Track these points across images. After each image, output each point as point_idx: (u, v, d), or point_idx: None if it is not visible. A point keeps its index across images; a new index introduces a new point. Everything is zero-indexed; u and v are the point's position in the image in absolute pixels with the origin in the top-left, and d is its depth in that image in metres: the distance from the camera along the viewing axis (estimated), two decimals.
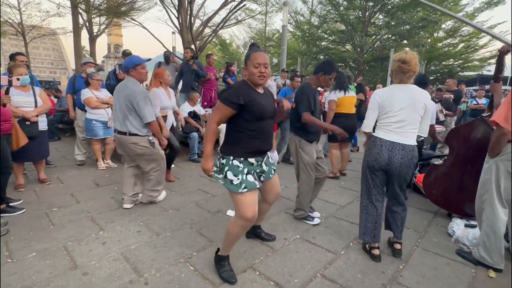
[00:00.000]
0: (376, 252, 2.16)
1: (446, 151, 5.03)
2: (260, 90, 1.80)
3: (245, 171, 1.74)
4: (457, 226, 2.58)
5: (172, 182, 3.79)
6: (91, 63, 4.61)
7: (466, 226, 2.53)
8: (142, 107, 2.64)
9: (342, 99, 4.10)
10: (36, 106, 3.25)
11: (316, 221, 2.74)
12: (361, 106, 5.60)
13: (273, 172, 2.00)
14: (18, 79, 2.65)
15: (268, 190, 2.03)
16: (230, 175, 1.72)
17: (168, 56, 6.16)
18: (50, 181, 3.61)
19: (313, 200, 2.89)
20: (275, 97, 3.74)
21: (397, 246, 2.21)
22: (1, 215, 2.66)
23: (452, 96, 5.75)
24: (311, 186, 2.69)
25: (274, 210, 2.94)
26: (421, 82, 2.90)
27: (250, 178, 1.74)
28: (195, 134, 4.76)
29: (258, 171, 1.82)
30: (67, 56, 26.47)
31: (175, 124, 3.69)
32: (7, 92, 2.48)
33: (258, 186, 1.79)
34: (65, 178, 3.81)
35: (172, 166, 4.16)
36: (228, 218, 2.77)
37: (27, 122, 3.11)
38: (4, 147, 2.59)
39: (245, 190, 1.71)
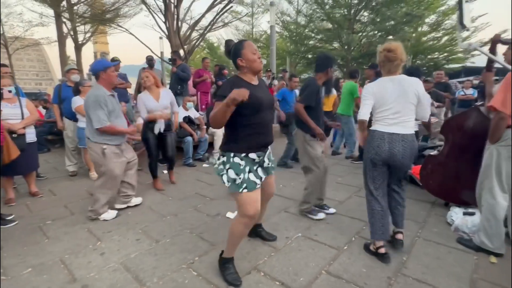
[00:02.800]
0: (382, 250, 2.06)
1: (438, 142, 5.11)
2: (255, 82, 1.78)
3: (247, 169, 1.72)
4: (456, 214, 2.61)
5: (174, 183, 3.81)
6: (74, 70, 4.50)
7: (464, 214, 2.56)
8: (90, 113, 2.63)
9: (326, 100, 4.14)
10: (22, 118, 3.15)
11: (320, 215, 2.74)
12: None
13: (273, 167, 1.99)
14: (10, 91, 2.56)
15: (263, 188, 2.00)
16: (232, 173, 1.69)
17: (151, 60, 6.10)
18: (42, 193, 3.50)
19: (324, 193, 2.90)
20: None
21: (399, 236, 2.19)
22: None
23: (450, 96, 5.88)
24: (320, 179, 2.73)
25: (274, 209, 2.92)
26: (414, 74, 2.93)
27: (252, 176, 1.73)
28: (189, 138, 4.71)
29: (259, 166, 1.82)
30: (52, 67, 26.01)
31: (161, 130, 3.52)
32: None
33: (258, 187, 1.77)
34: (58, 189, 3.71)
35: (165, 171, 4.10)
36: (228, 220, 2.74)
37: (13, 135, 3.01)
38: None
39: (245, 190, 1.69)
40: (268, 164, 1.91)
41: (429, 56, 18.90)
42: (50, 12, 12.73)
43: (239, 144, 1.72)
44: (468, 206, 2.70)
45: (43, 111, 6.68)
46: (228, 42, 1.90)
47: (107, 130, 2.68)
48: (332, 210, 2.88)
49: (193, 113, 5.13)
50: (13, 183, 3.44)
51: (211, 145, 5.32)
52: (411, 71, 2.96)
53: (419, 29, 18.67)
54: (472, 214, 2.50)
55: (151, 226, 2.65)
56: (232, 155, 1.71)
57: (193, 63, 19.91)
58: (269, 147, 1.93)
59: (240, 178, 1.69)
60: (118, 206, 3.01)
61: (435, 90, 5.57)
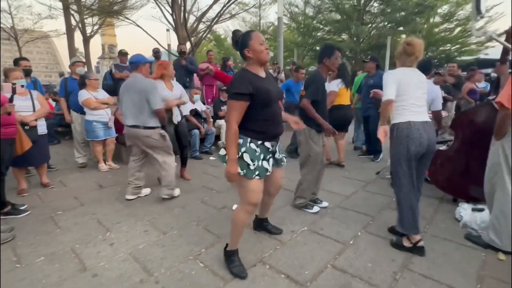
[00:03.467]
0: (422, 243, 2.07)
1: (448, 136, 5.01)
2: (263, 74, 1.78)
3: (261, 156, 1.74)
4: (464, 210, 2.58)
5: (189, 179, 3.78)
6: (79, 62, 4.54)
7: (473, 210, 2.53)
8: (151, 97, 2.81)
9: (343, 90, 4.05)
10: (34, 110, 3.21)
11: (316, 209, 2.77)
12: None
13: (284, 160, 2.00)
14: (22, 85, 2.62)
15: (272, 182, 2.01)
16: (247, 158, 1.69)
17: (157, 53, 6.09)
18: (53, 184, 3.59)
19: (319, 190, 2.92)
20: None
21: (422, 243, 2.08)
22: (8, 217, 2.67)
23: (453, 79, 5.70)
24: (316, 176, 2.76)
25: (280, 203, 2.93)
26: (425, 68, 2.86)
27: (265, 164, 1.76)
28: (196, 131, 4.73)
29: (271, 156, 1.83)
30: (61, 59, 26.28)
31: (178, 119, 3.61)
32: (11, 100, 2.45)
33: (268, 174, 1.80)
34: (68, 181, 3.80)
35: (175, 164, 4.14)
36: None
37: (26, 127, 3.07)
38: (3, 152, 2.56)
39: (257, 177, 1.72)
40: (279, 155, 1.93)
41: (440, 48, 18.40)
42: (59, 4, 12.80)
43: (255, 132, 1.73)
44: (477, 202, 2.66)
45: (53, 103, 6.77)
46: (235, 33, 1.88)
47: (160, 112, 2.87)
48: (324, 204, 2.88)
49: (200, 106, 5.14)
50: (26, 173, 3.53)
51: (217, 137, 5.34)
52: (422, 65, 2.89)
53: (431, 20, 18.15)
54: (481, 210, 2.47)
55: (158, 218, 2.70)
56: (249, 140, 1.72)
57: (200, 55, 19.86)
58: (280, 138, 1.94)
59: (254, 164, 1.71)
60: (129, 197, 3.09)
61: (445, 85, 5.44)
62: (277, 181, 2.04)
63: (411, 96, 2.00)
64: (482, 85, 7.16)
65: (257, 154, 1.73)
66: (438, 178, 2.94)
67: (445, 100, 5.17)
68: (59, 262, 2.02)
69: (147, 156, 3.08)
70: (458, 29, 17.35)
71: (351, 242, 2.26)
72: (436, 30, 18.08)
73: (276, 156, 1.90)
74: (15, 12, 16.87)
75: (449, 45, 18.08)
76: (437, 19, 18.20)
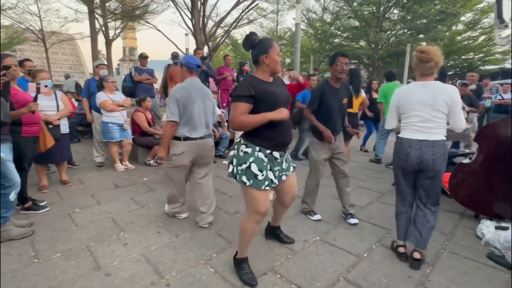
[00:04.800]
0: (401, 250, 2.13)
1: (469, 149, 4.81)
2: (270, 80, 1.77)
3: (268, 166, 1.73)
4: (487, 228, 2.45)
5: None
6: (103, 65, 4.70)
7: (496, 228, 2.40)
8: (216, 108, 2.72)
9: (354, 100, 3.93)
10: (58, 110, 3.34)
11: (316, 217, 2.75)
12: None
13: (292, 169, 1.97)
14: (46, 86, 2.75)
15: (285, 191, 1.99)
16: (254, 168, 1.68)
17: (176, 57, 6.21)
18: (72, 182, 3.70)
19: (347, 201, 2.77)
20: None
21: (416, 255, 2.03)
22: (28, 212, 2.77)
23: (474, 87, 5.51)
24: (317, 184, 2.76)
25: (292, 211, 2.89)
26: (440, 73, 2.77)
27: (270, 174, 1.75)
28: None
29: (279, 168, 1.81)
30: (84, 61, 27.33)
31: None
32: (35, 99, 2.57)
33: (274, 185, 1.79)
34: (86, 179, 3.91)
35: None
36: None
37: (49, 126, 3.20)
38: (27, 149, 2.67)
39: (267, 188, 1.70)
40: (286, 165, 1.90)
41: (463, 57, 17.86)
42: (84, 8, 13.35)
43: (264, 139, 1.72)
44: (501, 219, 2.53)
45: (76, 103, 7.03)
46: (252, 34, 1.86)
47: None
48: (316, 217, 2.75)
49: (216, 111, 5.18)
50: (46, 171, 3.66)
51: (232, 142, 5.37)
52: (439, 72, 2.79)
53: (453, 27, 17.66)
54: (506, 228, 2.34)
55: (171, 220, 2.72)
56: (257, 149, 1.70)
57: (216, 59, 20.13)
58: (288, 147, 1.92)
59: (263, 175, 1.69)
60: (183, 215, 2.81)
61: (469, 96, 5.26)
62: (291, 190, 2.00)
63: (412, 114, 1.95)
64: (508, 96, 6.88)
65: (265, 164, 1.71)
66: (459, 192, 2.82)
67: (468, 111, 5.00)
68: (75, 259, 2.07)
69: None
70: (483, 37, 16.80)
71: (365, 254, 2.20)
72: (459, 38, 17.58)
73: (283, 165, 1.87)
74: (44, 15, 17.72)
75: (472, 53, 17.52)
76: (460, 26, 17.70)
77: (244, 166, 1.70)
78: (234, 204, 3.13)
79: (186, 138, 2.49)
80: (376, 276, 1.94)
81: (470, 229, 2.61)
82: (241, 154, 1.72)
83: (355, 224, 2.67)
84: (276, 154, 1.76)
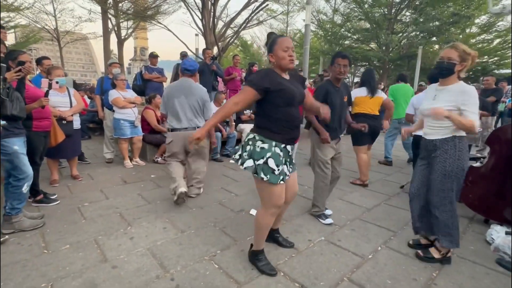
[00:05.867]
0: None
1: (480, 153, 4.70)
2: (286, 76, 1.79)
3: (283, 161, 1.76)
4: (497, 233, 2.40)
5: None
6: (116, 64, 4.80)
7: (507, 233, 2.34)
8: (208, 106, 3.06)
9: (362, 99, 3.74)
10: (71, 106, 3.43)
11: (328, 221, 2.67)
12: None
13: (294, 165, 1.99)
14: (57, 82, 2.83)
15: (287, 187, 1.98)
16: (272, 163, 1.70)
17: (185, 56, 6.28)
18: (82, 177, 3.78)
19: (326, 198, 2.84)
20: None
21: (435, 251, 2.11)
22: (40, 205, 2.85)
23: (494, 99, 5.36)
24: (326, 184, 2.70)
25: (298, 210, 2.89)
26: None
27: (285, 169, 1.78)
28: (218, 134, 4.81)
29: (289, 161, 1.85)
30: (97, 60, 27.88)
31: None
32: (46, 94, 2.65)
33: (287, 178, 1.82)
34: (95, 174, 3.99)
35: None
36: (251, 217, 2.76)
37: (63, 122, 3.29)
38: (37, 144, 2.74)
39: (282, 182, 1.74)
40: (293, 160, 1.94)
41: (477, 60, 17.47)
42: (98, 8, 13.65)
43: (278, 134, 1.74)
44: (511, 225, 2.47)
45: (88, 101, 7.18)
46: (269, 35, 1.90)
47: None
48: (328, 221, 2.67)
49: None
50: (58, 166, 3.76)
51: (239, 141, 5.39)
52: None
53: (467, 30, 17.31)
54: None
55: (177, 216, 2.76)
56: (274, 144, 1.72)
57: (226, 60, 20.24)
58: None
59: (279, 170, 1.72)
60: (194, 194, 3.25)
61: (481, 98, 5.14)
62: (293, 186, 2.00)
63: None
64: None
65: (281, 158, 1.74)
66: (469, 196, 2.77)
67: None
68: (83, 251, 2.12)
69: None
70: (498, 40, 16.41)
71: (370, 256, 2.18)
72: (473, 41, 17.20)
73: (292, 159, 1.92)
74: (59, 15, 18.18)
75: (486, 57, 17.12)
76: (474, 29, 17.34)
77: (261, 161, 1.70)
78: (240, 202, 3.15)
79: (173, 129, 3.01)
80: (381, 277, 1.92)
81: (480, 234, 2.56)
82: (258, 149, 1.73)
83: (330, 224, 2.65)
84: (289, 148, 1.80)
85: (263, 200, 1.82)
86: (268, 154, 1.70)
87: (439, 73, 1.99)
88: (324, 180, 2.68)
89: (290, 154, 1.83)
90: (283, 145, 1.76)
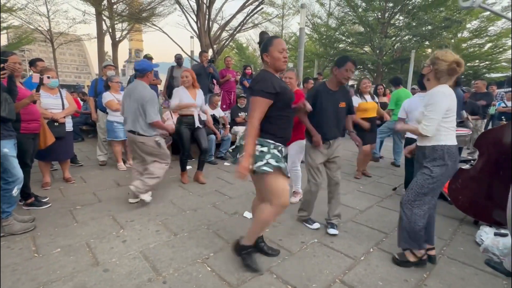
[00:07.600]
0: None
1: (470, 155, 4.78)
2: (278, 76, 1.84)
3: (283, 160, 1.81)
4: (486, 234, 2.44)
5: (204, 183, 3.81)
6: (110, 66, 4.77)
7: (495, 234, 2.39)
8: (147, 108, 2.85)
9: (372, 104, 4.13)
10: (63, 108, 3.40)
11: (316, 225, 2.63)
12: None
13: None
14: (48, 77, 2.81)
15: None
16: (273, 162, 1.74)
17: (179, 59, 6.29)
18: (74, 180, 3.75)
19: (333, 210, 2.62)
20: None
21: (433, 252, 2.15)
22: (31, 208, 2.81)
23: (484, 102, 5.47)
24: (315, 190, 2.58)
25: (292, 212, 2.90)
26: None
27: (286, 166, 1.85)
28: (212, 136, 4.81)
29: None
30: (91, 61, 27.67)
31: (201, 125, 3.79)
32: (38, 89, 2.62)
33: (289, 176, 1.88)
34: (88, 177, 3.95)
35: (189, 167, 4.22)
36: (245, 220, 2.77)
37: (55, 124, 3.25)
38: (26, 146, 2.68)
39: (289, 176, 1.80)
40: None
41: (468, 64, 17.80)
42: (92, 10, 13.58)
43: (277, 136, 1.78)
44: (500, 226, 2.51)
45: (81, 103, 7.12)
46: (262, 35, 1.93)
47: (156, 125, 2.92)
48: (315, 225, 2.64)
49: (218, 112, 5.23)
50: (50, 169, 3.71)
51: (233, 143, 5.40)
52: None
53: (459, 34, 17.64)
54: (504, 235, 2.33)
55: (170, 219, 2.75)
56: (272, 146, 1.77)
57: (221, 62, 20.23)
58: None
59: (281, 166, 1.77)
60: (132, 200, 3.10)
61: (470, 101, 5.24)
62: None
63: (453, 117, 1.96)
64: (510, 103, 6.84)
65: (280, 157, 1.79)
66: (459, 198, 2.81)
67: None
68: (74, 254, 2.10)
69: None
70: (489, 45, 16.75)
71: (362, 258, 2.20)
72: (464, 45, 17.54)
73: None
74: (53, 16, 18.02)
75: (477, 61, 17.46)
76: (466, 34, 17.68)
77: (263, 162, 1.72)
78: (234, 205, 3.15)
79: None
80: (372, 279, 1.94)
81: (469, 235, 2.60)
82: (257, 153, 1.74)
83: (334, 235, 2.50)
84: (284, 150, 1.85)
85: (272, 196, 1.78)
86: (267, 156, 1.74)
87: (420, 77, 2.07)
88: (314, 187, 2.55)
89: (284, 155, 1.86)
90: (280, 147, 1.81)
